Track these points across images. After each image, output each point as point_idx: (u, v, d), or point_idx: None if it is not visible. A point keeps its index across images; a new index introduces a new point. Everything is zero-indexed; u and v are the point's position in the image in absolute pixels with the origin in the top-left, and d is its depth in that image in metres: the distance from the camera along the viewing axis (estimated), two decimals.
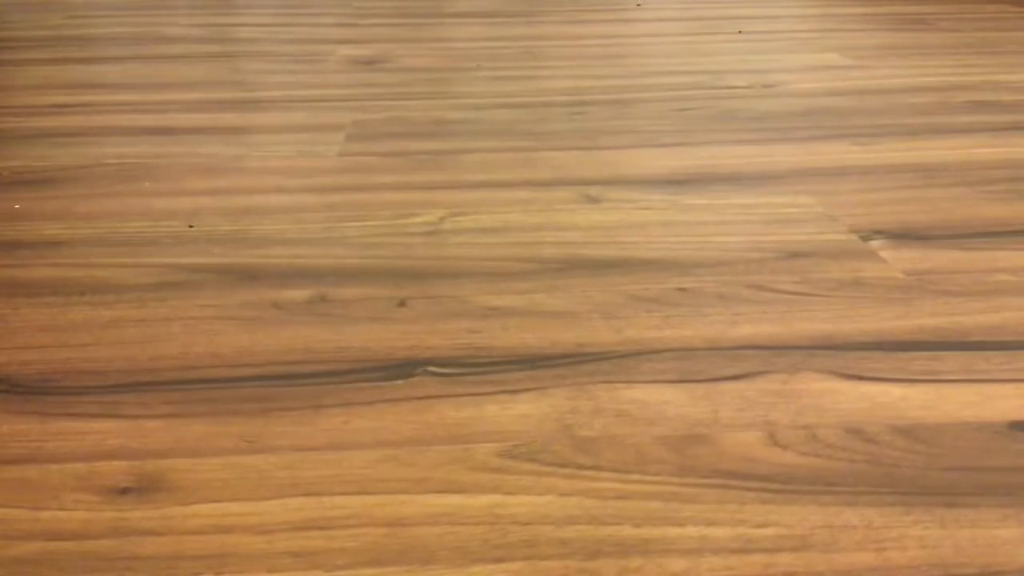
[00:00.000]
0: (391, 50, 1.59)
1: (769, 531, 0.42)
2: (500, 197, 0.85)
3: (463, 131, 1.07)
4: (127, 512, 0.43)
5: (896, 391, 0.53)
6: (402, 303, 0.64)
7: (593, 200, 0.83)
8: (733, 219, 0.79)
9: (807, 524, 0.42)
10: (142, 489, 0.45)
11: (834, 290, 0.65)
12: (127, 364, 0.56)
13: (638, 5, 2.13)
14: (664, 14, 2.01)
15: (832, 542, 0.41)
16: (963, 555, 0.40)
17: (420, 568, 0.40)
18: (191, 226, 0.78)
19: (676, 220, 0.79)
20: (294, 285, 0.67)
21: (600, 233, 0.76)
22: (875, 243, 0.73)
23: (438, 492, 0.45)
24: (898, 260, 0.70)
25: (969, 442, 0.48)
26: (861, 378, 0.54)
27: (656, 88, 1.27)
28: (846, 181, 0.88)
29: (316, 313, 0.63)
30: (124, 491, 0.45)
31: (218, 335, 0.60)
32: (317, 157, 0.97)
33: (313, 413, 0.51)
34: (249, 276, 0.69)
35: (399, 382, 0.54)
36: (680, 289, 0.66)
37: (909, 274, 0.68)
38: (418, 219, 0.79)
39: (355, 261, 0.71)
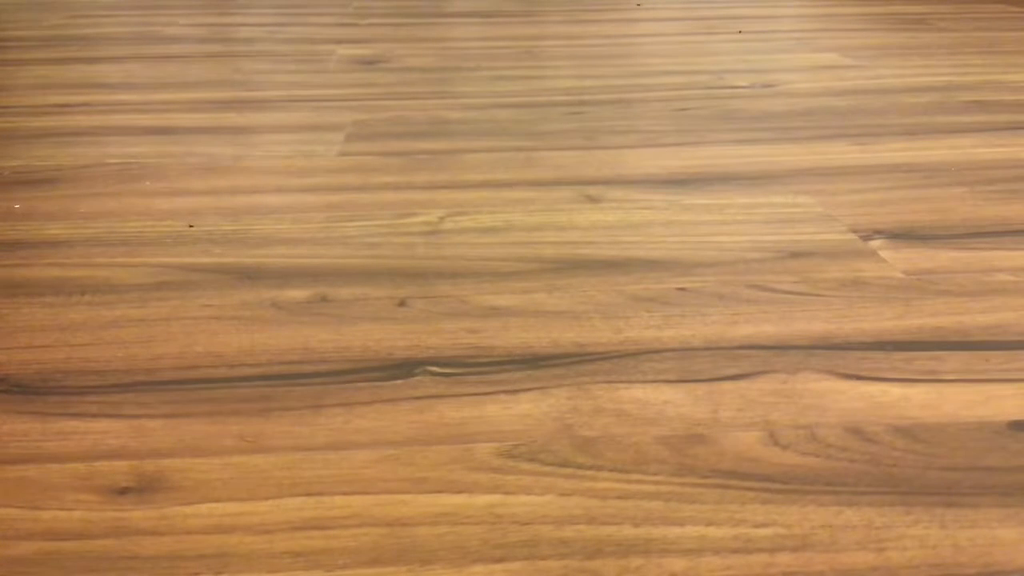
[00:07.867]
0: (391, 50, 1.59)
1: (769, 531, 0.42)
2: (500, 197, 0.85)
3: (463, 131, 1.07)
4: (127, 512, 0.43)
5: (896, 391, 0.53)
6: (402, 303, 0.64)
7: (593, 200, 0.83)
8: (733, 219, 0.79)
9: (807, 524, 0.42)
10: (142, 489, 0.45)
11: (834, 290, 0.65)
12: (127, 364, 0.56)
13: (638, 5, 2.13)
14: (664, 14, 2.01)
15: (832, 542, 0.41)
16: (963, 555, 0.40)
17: (420, 568, 0.40)
18: (191, 226, 0.78)
19: (676, 220, 0.79)
20: (294, 285, 0.67)
21: (600, 233, 0.76)
22: (875, 243, 0.73)
23: (438, 492, 0.45)
24: (898, 260, 0.70)
25: (969, 442, 0.48)
26: (861, 378, 0.54)
27: (656, 88, 1.28)
28: (846, 181, 0.88)
29: (316, 313, 0.63)
30: (124, 491, 0.45)
31: (218, 335, 0.60)
32: (317, 157, 0.97)
33: (313, 413, 0.51)
34: (249, 276, 0.69)
35: (399, 382, 0.54)
36: (680, 289, 0.66)
37: (909, 274, 0.68)
38: (418, 219, 0.79)
39: (355, 261, 0.71)
